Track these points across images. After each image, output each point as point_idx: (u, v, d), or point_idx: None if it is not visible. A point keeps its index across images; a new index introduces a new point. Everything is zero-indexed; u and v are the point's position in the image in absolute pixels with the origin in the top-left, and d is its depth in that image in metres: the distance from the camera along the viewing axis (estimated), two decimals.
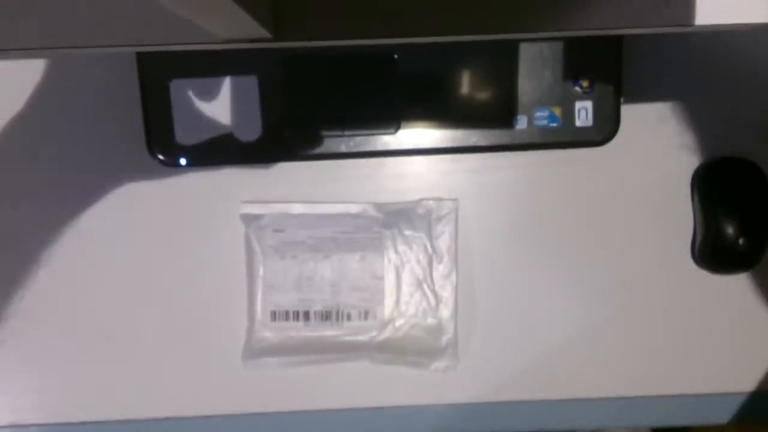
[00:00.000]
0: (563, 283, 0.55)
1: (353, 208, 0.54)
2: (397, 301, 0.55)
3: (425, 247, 0.54)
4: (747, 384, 0.57)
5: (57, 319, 0.56)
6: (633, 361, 0.56)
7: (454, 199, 0.54)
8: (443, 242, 0.54)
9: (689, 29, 0.29)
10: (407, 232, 0.54)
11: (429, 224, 0.54)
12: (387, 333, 0.55)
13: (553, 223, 0.55)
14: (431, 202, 0.54)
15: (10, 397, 0.56)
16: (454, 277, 0.54)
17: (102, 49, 0.26)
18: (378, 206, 0.54)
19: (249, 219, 0.54)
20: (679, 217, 0.55)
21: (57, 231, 0.55)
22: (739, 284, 0.56)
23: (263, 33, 0.25)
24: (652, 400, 0.57)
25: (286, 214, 0.54)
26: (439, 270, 0.55)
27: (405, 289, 0.55)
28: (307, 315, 0.55)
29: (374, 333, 0.55)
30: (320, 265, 0.54)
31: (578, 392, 0.57)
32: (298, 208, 0.54)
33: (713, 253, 0.54)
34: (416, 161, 0.54)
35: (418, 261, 0.55)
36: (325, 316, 0.55)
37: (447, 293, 0.54)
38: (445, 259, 0.54)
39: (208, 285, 0.55)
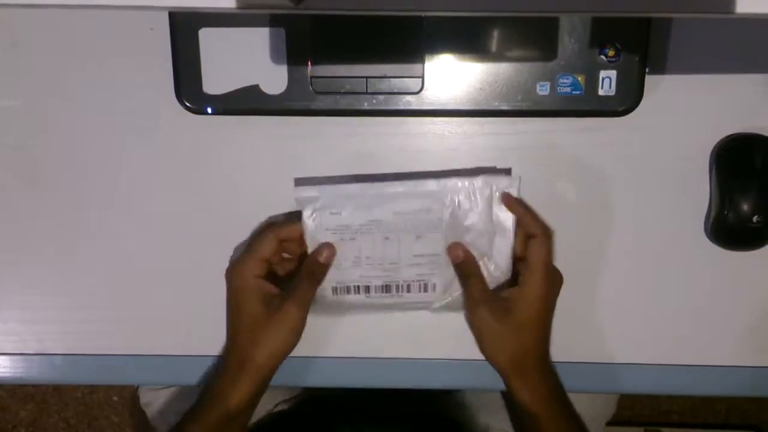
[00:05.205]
0: (574, 250, 0.56)
1: (410, 187, 0.52)
2: (455, 276, 0.54)
3: (484, 223, 0.53)
4: (744, 359, 0.58)
5: (88, 259, 0.58)
6: (637, 329, 0.58)
7: (516, 177, 0.53)
8: (503, 216, 0.53)
9: (730, 17, 0.29)
10: (465, 207, 0.52)
11: (490, 199, 0.52)
12: (445, 300, 0.55)
13: (571, 190, 0.56)
14: (492, 177, 0.52)
15: (37, 327, 0.59)
16: (512, 249, 0.53)
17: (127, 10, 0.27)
18: (438, 182, 0.52)
19: (304, 201, 0.53)
20: (695, 192, 0.56)
21: (86, 172, 0.57)
22: (748, 260, 0.56)
23: (286, 2, 0.26)
24: (648, 368, 0.58)
25: (341, 196, 0.52)
26: (497, 242, 0.53)
27: None
28: (368, 289, 0.55)
29: (432, 301, 0.55)
30: (379, 245, 0.53)
31: (578, 356, 0.58)
32: (353, 189, 0.53)
33: (725, 230, 0.54)
34: (438, 122, 0.55)
35: (478, 235, 0.53)
36: (386, 289, 0.55)
37: (504, 265, 0.54)
38: (507, 233, 0.53)
39: (229, 231, 0.57)
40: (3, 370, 0.60)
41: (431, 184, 0.52)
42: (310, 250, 0.54)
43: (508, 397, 0.57)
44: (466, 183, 0.52)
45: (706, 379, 0.59)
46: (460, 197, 0.52)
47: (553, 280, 0.53)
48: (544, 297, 0.53)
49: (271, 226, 0.54)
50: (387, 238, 0.53)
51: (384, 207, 0.52)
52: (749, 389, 0.59)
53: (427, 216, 0.52)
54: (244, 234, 0.57)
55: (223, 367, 0.55)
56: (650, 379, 0.59)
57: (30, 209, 0.57)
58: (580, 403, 0.57)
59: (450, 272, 0.54)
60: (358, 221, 0.52)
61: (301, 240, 0.53)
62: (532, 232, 0.52)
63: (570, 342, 0.58)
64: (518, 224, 0.53)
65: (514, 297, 0.53)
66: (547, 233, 0.53)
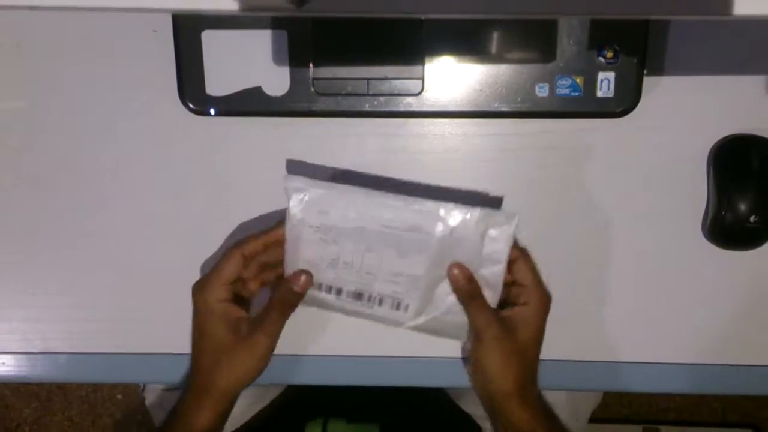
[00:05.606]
0: (573, 250, 0.57)
1: (406, 203, 0.50)
2: (432, 298, 0.53)
3: (473, 253, 0.51)
4: (742, 357, 0.59)
5: (91, 258, 0.59)
6: (634, 328, 0.58)
7: (514, 215, 0.50)
8: (494, 253, 0.51)
9: (728, 18, 0.30)
10: (457, 235, 0.50)
11: (483, 234, 0.50)
12: (417, 322, 0.54)
13: (569, 190, 0.56)
14: (488, 213, 0.50)
15: (41, 326, 0.60)
16: (502, 281, 0.52)
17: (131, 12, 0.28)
18: (435, 204, 0.50)
19: (292, 191, 0.50)
20: (693, 193, 0.56)
21: (90, 173, 0.57)
22: (746, 260, 0.57)
23: (287, 5, 0.27)
24: (646, 367, 0.59)
25: (332, 195, 0.50)
26: (484, 274, 0.52)
27: (443, 287, 0.53)
28: (339, 291, 0.54)
29: (403, 321, 0.54)
30: (360, 254, 0.52)
31: (577, 355, 0.59)
32: (346, 192, 0.50)
33: (723, 230, 0.55)
34: (438, 123, 0.56)
35: (464, 264, 0.52)
36: (357, 296, 0.54)
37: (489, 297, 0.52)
38: (496, 267, 0.51)
39: (231, 232, 0.58)
40: (7, 368, 0.60)
41: (428, 205, 0.50)
42: (288, 243, 0.52)
43: (500, 421, 0.54)
44: (463, 212, 0.50)
45: (704, 378, 0.59)
46: (454, 224, 0.50)
47: (549, 295, 0.53)
48: (545, 312, 0.53)
49: (236, 243, 0.52)
50: (369, 250, 0.51)
51: (374, 217, 0.50)
52: (746, 388, 0.60)
53: (416, 236, 0.50)
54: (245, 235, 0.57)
55: (189, 387, 0.54)
56: (648, 378, 0.59)
57: (33, 209, 0.58)
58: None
59: (427, 297, 0.53)
60: (344, 225, 0.51)
61: (274, 247, 0.52)
62: (513, 257, 0.52)
63: (568, 341, 0.58)
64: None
65: (517, 314, 0.52)
66: (526, 252, 0.53)
